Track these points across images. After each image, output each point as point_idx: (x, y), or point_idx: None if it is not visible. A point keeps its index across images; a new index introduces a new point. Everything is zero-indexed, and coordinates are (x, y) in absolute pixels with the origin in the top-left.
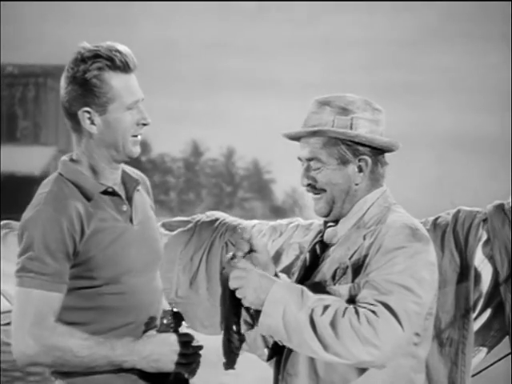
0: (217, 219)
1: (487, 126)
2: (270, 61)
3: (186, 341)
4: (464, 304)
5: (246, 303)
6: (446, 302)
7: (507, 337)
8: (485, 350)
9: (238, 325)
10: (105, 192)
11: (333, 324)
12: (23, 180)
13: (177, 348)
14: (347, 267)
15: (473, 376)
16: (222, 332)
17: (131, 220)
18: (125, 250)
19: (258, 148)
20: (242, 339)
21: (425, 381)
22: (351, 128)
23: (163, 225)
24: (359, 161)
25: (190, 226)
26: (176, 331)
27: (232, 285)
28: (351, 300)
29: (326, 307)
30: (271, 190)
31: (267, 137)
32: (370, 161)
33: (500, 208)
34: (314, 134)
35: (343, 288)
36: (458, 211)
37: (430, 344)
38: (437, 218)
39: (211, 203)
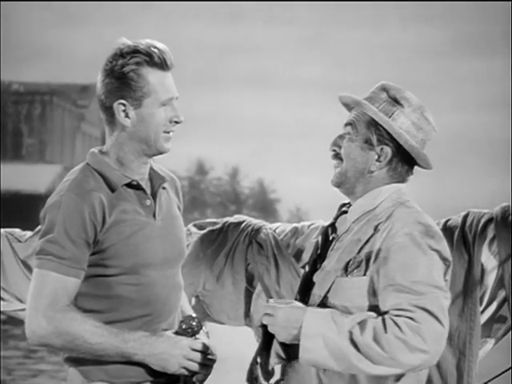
0: (243, 221)
1: (488, 126)
2: (281, 64)
3: (198, 349)
4: (471, 297)
5: (279, 339)
6: (454, 296)
7: None
8: (492, 341)
9: (263, 357)
10: (129, 185)
11: (376, 340)
12: (28, 198)
13: (187, 353)
14: (362, 260)
15: None
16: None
17: (154, 215)
18: (145, 243)
19: (262, 166)
20: (268, 372)
21: (434, 370)
22: (389, 117)
23: (195, 225)
24: (381, 150)
25: (218, 226)
26: (193, 337)
27: (262, 320)
28: (362, 292)
29: (362, 326)
30: (276, 208)
31: (272, 154)
32: (390, 153)
33: (505, 209)
34: (357, 104)
35: (355, 280)
36: (468, 213)
37: None
38: (448, 220)
39: None
